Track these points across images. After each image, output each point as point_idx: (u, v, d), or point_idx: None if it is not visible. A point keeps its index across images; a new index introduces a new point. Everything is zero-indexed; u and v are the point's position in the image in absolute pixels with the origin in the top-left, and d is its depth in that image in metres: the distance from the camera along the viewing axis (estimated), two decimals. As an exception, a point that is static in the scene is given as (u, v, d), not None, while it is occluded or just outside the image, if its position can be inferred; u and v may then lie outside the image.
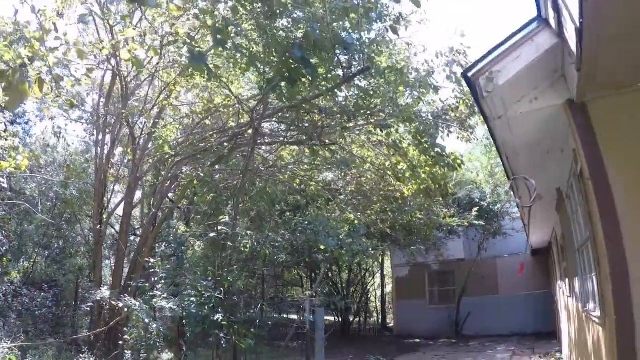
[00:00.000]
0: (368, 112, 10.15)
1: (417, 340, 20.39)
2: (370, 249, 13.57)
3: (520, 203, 9.29)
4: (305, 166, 13.80)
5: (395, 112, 9.78)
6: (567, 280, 10.11)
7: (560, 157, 6.24)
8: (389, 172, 12.44)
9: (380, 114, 10.06)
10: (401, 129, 10.88)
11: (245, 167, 10.16)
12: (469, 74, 4.82)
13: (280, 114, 11.32)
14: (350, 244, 11.08)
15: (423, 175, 11.11)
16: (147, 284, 10.38)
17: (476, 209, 18.38)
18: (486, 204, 18.89)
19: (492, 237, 20.12)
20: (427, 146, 10.52)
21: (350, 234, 11.28)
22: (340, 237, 10.90)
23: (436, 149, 10.80)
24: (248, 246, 10.03)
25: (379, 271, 28.03)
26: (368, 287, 27.65)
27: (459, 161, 11.35)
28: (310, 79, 8.13)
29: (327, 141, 11.15)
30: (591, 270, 5.58)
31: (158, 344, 10.02)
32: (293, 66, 7.51)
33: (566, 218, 8.27)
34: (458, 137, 12.82)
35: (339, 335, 21.27)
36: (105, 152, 13.54)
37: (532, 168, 7.23)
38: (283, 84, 8.22)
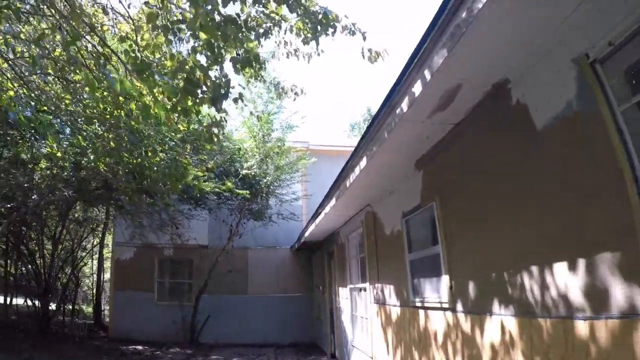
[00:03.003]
0: None
1: (139, 348, 14.00)
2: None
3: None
4: None
5: None
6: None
7: None
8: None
9: None
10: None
11: None
12: None
13: None
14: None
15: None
16: None
17: (241, 173, 12.94)
18: (251, 174, 13.45)
19: (254, 218, 14.65)
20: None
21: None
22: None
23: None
24: None
25: (98, 249, 20.75)
26: (79, 268, 19.90)
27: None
28: None
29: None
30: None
31: None
32: None
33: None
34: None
35: (34, 332, 14.28)
36: None
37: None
38: None
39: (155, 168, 8.49)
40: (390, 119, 4.61)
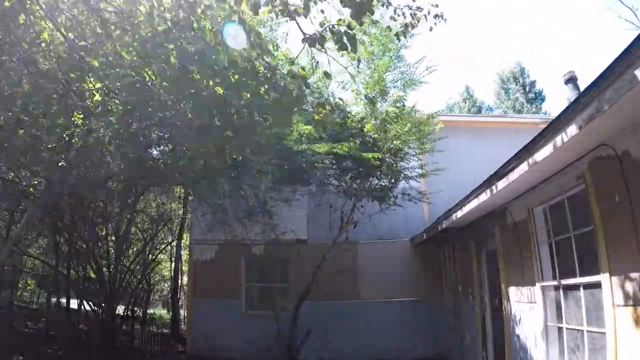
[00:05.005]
0: None
1: (220, 370, 11.72)
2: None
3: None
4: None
5: None
6: None
7: None
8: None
9: None
10: None
11: None
12: None
13: None
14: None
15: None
16: None
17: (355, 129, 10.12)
18: (369, 137, 10.60)
19: (376, 200, 11.69)
20: None
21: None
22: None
23: None
24: None
25: (175, 248, 18.82)
26: (151, 270, 17.72)
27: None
28: None
29: None
30: None
31: None
32: None
33: None
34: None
35: (97, 345, 12.53)
36: None
37: None
38: None
39: (243, 107, 5.67)
40: None
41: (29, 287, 21.07)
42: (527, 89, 44.13)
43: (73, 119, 7.13)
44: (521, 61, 51.34)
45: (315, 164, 9.61)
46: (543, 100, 44.30)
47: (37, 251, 17.45)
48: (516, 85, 44.64)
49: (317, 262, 11.97)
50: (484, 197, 7.62)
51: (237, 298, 14.09)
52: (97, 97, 6.57)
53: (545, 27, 61.80)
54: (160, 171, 9.37)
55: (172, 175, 9.39)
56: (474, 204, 8.13)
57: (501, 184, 6.84)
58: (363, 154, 9.68)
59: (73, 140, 8.01)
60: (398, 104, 11.22)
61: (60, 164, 7.88)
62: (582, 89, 4.88)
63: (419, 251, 13.80)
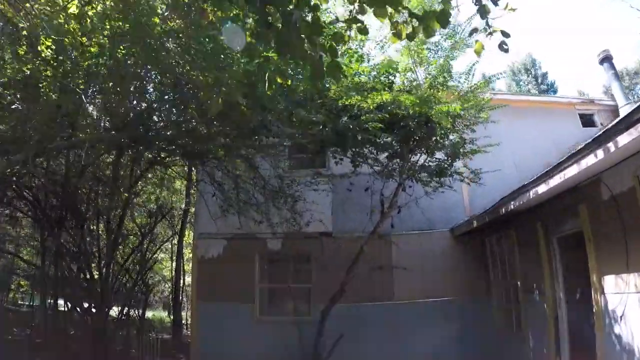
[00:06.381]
0: None
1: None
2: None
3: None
4: None
5: None
6: None
7: None
8: None
9: None
10: None
11: None
12: None
13: None
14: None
15: None
16: None
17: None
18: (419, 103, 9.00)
19: (424, 181, 10.15)
20: None
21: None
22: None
23: None
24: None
25: (177, 243, 17.60)
26: (149, 269, 16.26)
27: None
28: None
29: None
30: None
31: None
32: None
33: None
34: None
35: (87, 354, 11.15)
36: None
37: None
38: None
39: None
40: None
41: (22, 289, 19.95)
42: (540, 81, 43.29)
43: (39, 48, 5.56)
44: (532, 53, 50.68)
45: (367, 126, 7.87)
46: (555, 92, 43.40)
47: (31, 251, 16.24)
48: (528, 77, 43.79)
49: (344, 257, 10.63)
50: (591, 160, 6.05)
51: (250, 301, 12.64)
52: (74, 9, 5.12)
53: (552, 18, 61.27)
54: (160, 137, 7.81)
55: (177, 140, 7.79)
56: (571, 171, 6.55)
57: (624, 139, 5.32)
58: (437, 106, 8.12)
59: (41, 85, 6.40)
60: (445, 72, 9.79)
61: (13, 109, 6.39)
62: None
63: (461, 242, 12.39)
